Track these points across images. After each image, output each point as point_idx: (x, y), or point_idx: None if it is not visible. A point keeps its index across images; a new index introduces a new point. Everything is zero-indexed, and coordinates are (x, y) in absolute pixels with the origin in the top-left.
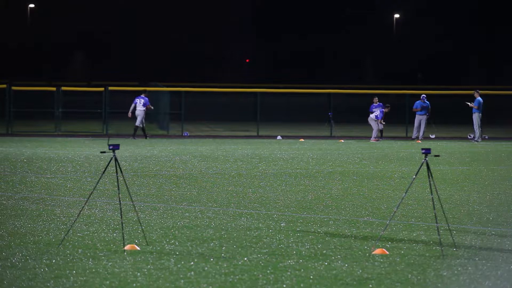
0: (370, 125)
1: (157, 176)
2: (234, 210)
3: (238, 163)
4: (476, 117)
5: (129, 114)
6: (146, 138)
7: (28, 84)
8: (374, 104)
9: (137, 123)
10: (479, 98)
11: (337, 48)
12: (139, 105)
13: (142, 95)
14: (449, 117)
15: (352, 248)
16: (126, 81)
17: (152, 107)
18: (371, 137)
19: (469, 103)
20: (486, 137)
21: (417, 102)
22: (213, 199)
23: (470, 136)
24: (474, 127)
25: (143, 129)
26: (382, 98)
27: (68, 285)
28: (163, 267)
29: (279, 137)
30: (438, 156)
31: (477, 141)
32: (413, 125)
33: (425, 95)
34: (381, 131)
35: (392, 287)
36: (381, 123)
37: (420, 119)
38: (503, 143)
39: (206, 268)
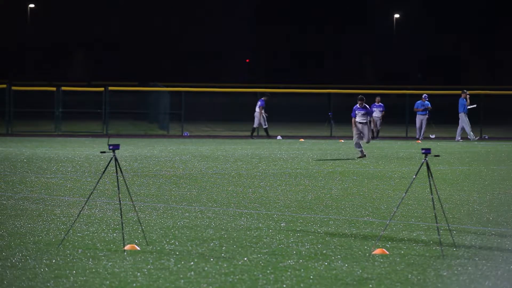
0: (373, 125)
1: (157, 176)
2: (234, 210)
3: (238, 163)
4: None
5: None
6: (252, 138)
7: (28, 84)
8: (376, 104)
9: (255, 124)
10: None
11: (337, 48)
12: (257, 107)
13: (262, 98)
14: (449, 117)
15: (352, 248)
16: (126, 81)
17: (264, 116)
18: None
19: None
20: (486, 137)
21: (418, 102)
22: (213, 199)
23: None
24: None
25: (253, 129)
26: (382, 98)
27: (68, 285)
28: (163, 267)
29: (279, 137)
30: (438, 156)
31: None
32: (414, 126)
33: (426, 95)
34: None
35: (392, 287)
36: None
37: (421, 119)
38: (503, 143)
39: (206, 268)
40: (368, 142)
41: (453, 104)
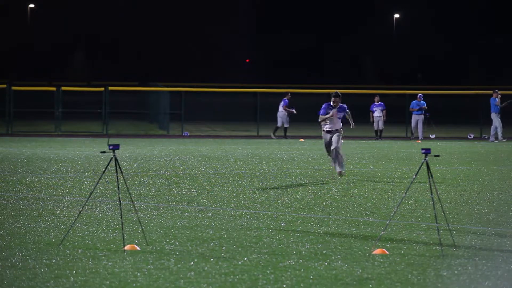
0: (371, 124)
1: (157, 176)
2: (234, 210)
3: (238, 163)
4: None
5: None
6: (286, 138)
7: (28, 84)
8: (376, 103)
9: (278, 123)
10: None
11: (337, 48)
12: (280, 107)
13: (285, 97)
14: (449, 117)
15: (352, 248)
16: (126, 81)
17: (293, 110)
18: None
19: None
20: (486, 137)
21: (414, 102)
22: (213, 199)
23: (470, 136)
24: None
25: (285, 129)
26: (382, 98)
27: (68, 285)
28: (163, 267)
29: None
30: (438, 156)
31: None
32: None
33: (421, 95)
34: (377, 130)
35: (392, 287)
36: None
37: (417, 119)
38: (503, 143)
39: (206, 268)
40: (336, 147)
41: (452, 104)
